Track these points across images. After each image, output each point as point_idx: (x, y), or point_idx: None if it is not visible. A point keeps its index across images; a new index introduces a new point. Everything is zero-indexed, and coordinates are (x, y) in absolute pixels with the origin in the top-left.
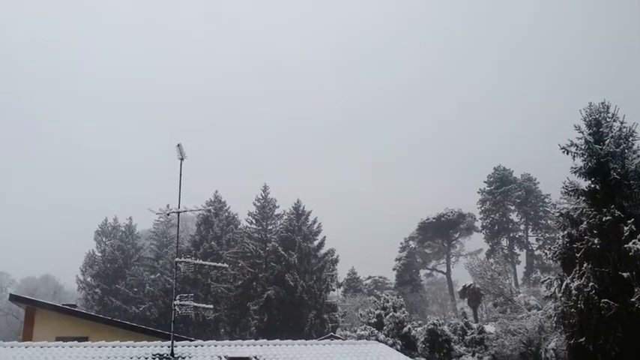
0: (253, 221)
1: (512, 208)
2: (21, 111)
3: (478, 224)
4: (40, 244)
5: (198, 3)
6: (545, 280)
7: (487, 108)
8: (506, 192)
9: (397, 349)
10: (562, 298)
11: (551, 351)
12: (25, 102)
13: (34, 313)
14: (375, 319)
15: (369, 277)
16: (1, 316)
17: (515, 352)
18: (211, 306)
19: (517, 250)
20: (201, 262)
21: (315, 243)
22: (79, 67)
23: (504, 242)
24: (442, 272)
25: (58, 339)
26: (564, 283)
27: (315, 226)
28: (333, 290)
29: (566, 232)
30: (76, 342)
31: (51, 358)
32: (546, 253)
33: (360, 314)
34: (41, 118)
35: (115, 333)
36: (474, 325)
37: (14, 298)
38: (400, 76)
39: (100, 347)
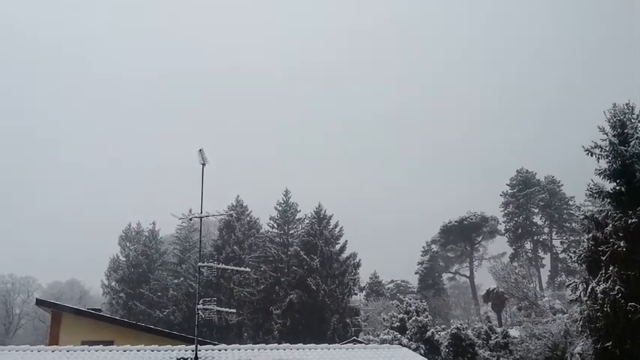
0: (275, 225)
1: (536, 211)
2: (44, 119)
3: (501, 227)
4: (66, 249)
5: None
6: (570, 284)
7: (509, 110)
8: (529, 195)
9: (421, 354)
10: (588, 302)
11: (577, 355)
12: (49, 111)
13: (60, 318)
14: (397, 323)
15: (392, 281)
16: (28, 321)
17: (541, 356)
18: (234, 310)
19: (541, 254)
20: (223, 266)
21: (337, 247)
22: (107, 70)
23: (528, 245)
24: (465, 276)
25: (83, 343)
26: (590, 287)
27: (337, 230)
28: (356, 294)
29: (591, 234)
30: (101, 346)
31: None
32: (571, 257)
33: (383, 318)
34: (61, 124)
35: (139, 337)
36: (498, 330)
37: (41, 303)
38: (425, 82)
39: (125, 351)
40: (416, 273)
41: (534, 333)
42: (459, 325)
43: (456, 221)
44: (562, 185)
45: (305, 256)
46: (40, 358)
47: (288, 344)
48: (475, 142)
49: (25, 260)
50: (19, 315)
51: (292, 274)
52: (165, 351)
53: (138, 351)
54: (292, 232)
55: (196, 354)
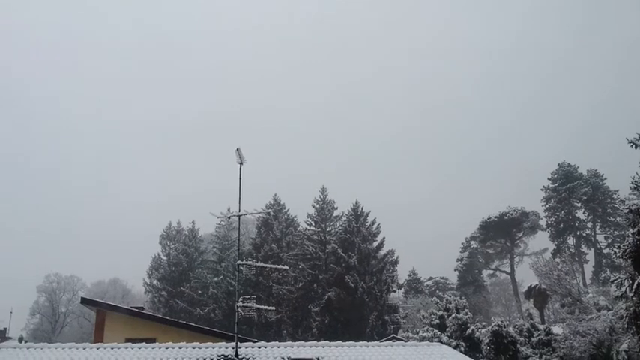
0: (312, 223)
1: (579, 205)
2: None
3: (542, 222)
4: (109, 248)
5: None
6: (615, 280)
7: (551, 103)
8: (571, 189)
9: (461, 351)
10: (634, 298)
11: (624, 353)
12: (104, 114)
13: (104, 316)
14: (437, 321)
15: (430, 278)
16: (73, 319)
17: (585, 353)
18: (273, 307)
19: (584, 249)
20: (262, 264)
21: (375, 244)
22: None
23: (571, 241)
24: (506, 272)
25: (127, 340)
26: (636, 282)
27: (374, 227)
28: (394, 291)
29: (636, 229)
30: (144, 343)
31: (121, 358)
32: (615, 252)
33: (422, 315)
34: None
35: (181, 334)
36: (541, 327)
37: (85, 301)
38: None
39: (167, 348)
40: (455, 270)
41: (578, 330)
42: (500, 322)
43: (495, 217)
44: (605, 179)
45: (343, 254)
46: (85, 355)
47: (327, 342)
48: (515, 136)
49: (71, 260)
50: (65, 313)
51: (330, 272)
52: (207, 348)
53: (180, 348)
54: (330, 229)
55: (237, 351)
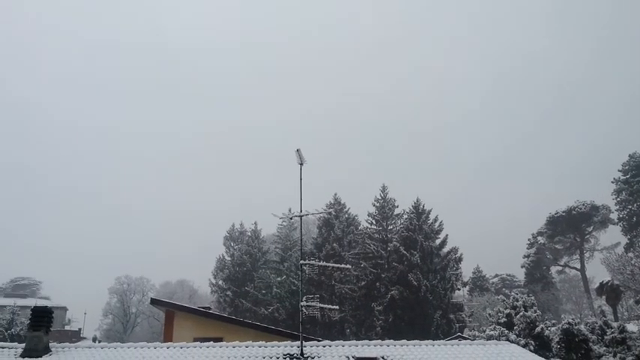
0: (373, 222)
1: None
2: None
3: (614, 216)
4: (175, 251)
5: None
6: None
7: (618, 92)
8: None
9: (530, 350)
10: None
11: None
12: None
13: (173, 316)
14: (504, 319)
15: (496, 276)
16: (143, 319)
17: None
18: (337, 307)
19: None
20: (325, 263)
21: (437, 242)
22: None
23: None
24: (576, 269)
25: (195, 339)
26: None
27: (437, 224)
28: (459, 289)
29: None
30: (212, 342)
31: (190, 357)
32: None
33: (489, 314)
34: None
35: (247, 334)
36: (614, 324)
37: (155, 302)
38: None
39: (234, 347)
40: (522, 266)
41: None
42: (570, 320)
43: (563, 211)
44: None
45: (405, 252)
46: (156, 354)
47: (391, 340)
48: (582, 127)
49: (140, 262)
50: (136, 314)
51: (392, 270)
52: (272, 347)
53: (246, 347)
54: (391, 227)
55: (302, 350)
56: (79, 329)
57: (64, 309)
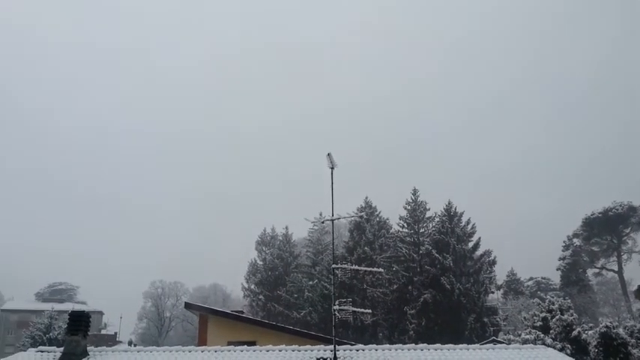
0: (405, 225)
1: None
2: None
3: None
4: (208, 255)
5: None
6: None
7: None
8: None
9: (567, 354)
10: None
11: None
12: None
13: (206, 320)
14: (540, 323)
15: (531, 279)
16: (177, 323)
17: None
18: (369, 310)
19: None
20: (356, 267)
21: (470, 245)
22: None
23: None
24: (613, 271)
25: (229, 343)
26: None
27: (469, 227)
28: (492, 293)
29: None
30: (245, 346)
31: None
32: None
33: (524, 317)
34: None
35: (280, 337)
36: None
37: (189, 306)
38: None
39: (267, 351)
40: (557, 269)
41: None
42: (608, 324)
43: (599, 213)
44: None
45: (437, 255)
46: (191, 358)
47: (425, 344)
48: (618, 129)
49: (173, 266)
50: (170, 318)
51: (425, 274)
52: (305, 351)
53: (280, 351)
54: (423, 230)
55: (335, 354)
56: (115, 333)
57: (101, 313)
